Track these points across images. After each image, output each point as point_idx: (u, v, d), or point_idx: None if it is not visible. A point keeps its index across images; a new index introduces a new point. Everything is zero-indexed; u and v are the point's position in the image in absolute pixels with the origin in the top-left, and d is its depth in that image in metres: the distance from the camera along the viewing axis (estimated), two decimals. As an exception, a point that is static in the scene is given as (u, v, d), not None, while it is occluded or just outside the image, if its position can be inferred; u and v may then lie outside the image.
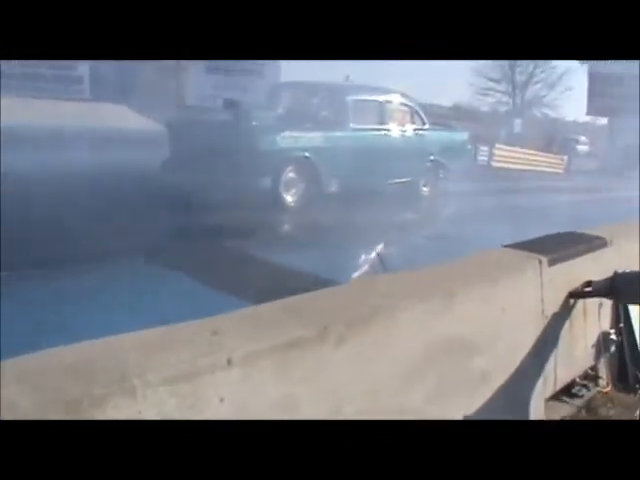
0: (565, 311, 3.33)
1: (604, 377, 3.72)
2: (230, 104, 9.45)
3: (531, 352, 3.01)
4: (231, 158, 8.16)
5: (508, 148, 23.37)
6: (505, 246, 3.32)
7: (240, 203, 7.92)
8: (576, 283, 3.37)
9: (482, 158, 21.62)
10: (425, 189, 11.25)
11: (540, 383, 3.10)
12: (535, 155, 24.31)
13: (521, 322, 2.95)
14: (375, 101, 10.32)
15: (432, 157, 11.09)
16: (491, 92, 37.53)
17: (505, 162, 21.75)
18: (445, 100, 36.18)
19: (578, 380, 3.60)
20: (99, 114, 16.15)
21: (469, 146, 12.89)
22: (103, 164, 9.56)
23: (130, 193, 7.87)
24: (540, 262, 3.12)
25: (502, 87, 37.50)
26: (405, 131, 10.67)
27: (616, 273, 3.20)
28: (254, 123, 8.68)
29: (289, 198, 8.96)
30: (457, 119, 26.41)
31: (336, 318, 2.06)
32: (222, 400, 1.73)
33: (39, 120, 14.06)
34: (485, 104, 37.81)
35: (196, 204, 7.57)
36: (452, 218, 9.89)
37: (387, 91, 10.88)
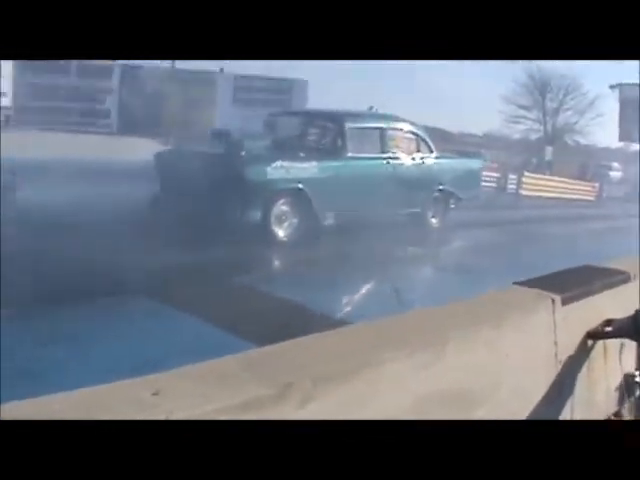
0: (582, 353, 3.05)
1: (629, 423, 3.41)
2: (219, 134, 9.30)
3: (543, 399, 2.74)
4: (219, 190, 7.91)
5: (537, 176, 23.01)
6: (516, 283, 3.06)
7: (228, 238, 7.52)
8: (594, 322, 3.09)
9: (511, 186, 21.29)
10: (434, 220, 10.63)
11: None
12: (566, 183, 23.84)
13: (529, 367, 2.68)
14: (376, 128, 9.82)
15: (441, 186, 10.51)
16: (522, 120, 37.15)
17: (534, 190, 21.33)
18: (474, 129, 35.77)
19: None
20: (125, 147, 16.22)
21: (481, 174, 12.32)
22: (114, 197, 9.39)
23: (124, 226, 7.61)
24: (553, 301, 2.85)
25: (533, 114, 37.11)
26: (410, 160, 10.13)
27: (638, 312, 2.92)
28: (243, 153, 8.35)
29: (281, 232, 8.51)
30: (487, 147, 26.19)
31: (303, 374, 1.81)
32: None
33: (65, 153, 14.12)
34: (516, 132, 37.44)
35: (181, 239, 7.28)
36: (465, 251, 9.53)
37: (389, 118, 10.46)
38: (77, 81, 18.45)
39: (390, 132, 9.96)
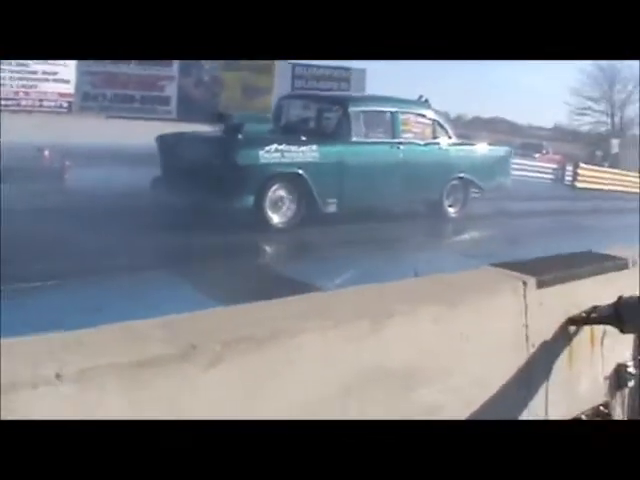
0: (563, 340, 2.96)
1: (619, 415, 3.29)
2: (220, 117, 9.09)
3: (509, 384, 2.67)
4: (212, 174, 7.73)
5: (594, 168, 22.29)
6: (494, 265, 2.99)
7: (219, 223, 7.41)
8: (581, 309, 2.99)
9: (568, 179, 20.73)
10: (451, 210, 10.10)
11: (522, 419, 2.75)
12: (626, 176, 22.99)
13: (491, 350, 2.61)
14: (385, 112, 9.37)
15: (461, 174, 9.96)
16: (589, 112, 36.23)
17: (590, 182, 20.62)
18: (541, 120, 35.08)
19: (585, 419, 3.19)
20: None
21: (510, 163, 11.39)
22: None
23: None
24: (524, 283, 2.77)
25: (600, 107, 36.14)
26: (423, 145, 9.64)
27: (621, 298, 2.82)
28: (239, 136, 8.11)
29: (277, 218, 8.18)
30: (553, 139, 25.53)
31: (214, 337, 1.82)
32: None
33: (125, 139, 14.43)
34: (582, 124, 36.52)
35: (176, 223, 7.30)
36: (484, 240, 9.24)
37: (402, 102, 10.07)
38: (138, 69, 18.80)
39: (402, 116, 9.50)
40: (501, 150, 11.29)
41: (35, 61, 16.46)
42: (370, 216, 8.82)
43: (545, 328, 2.86)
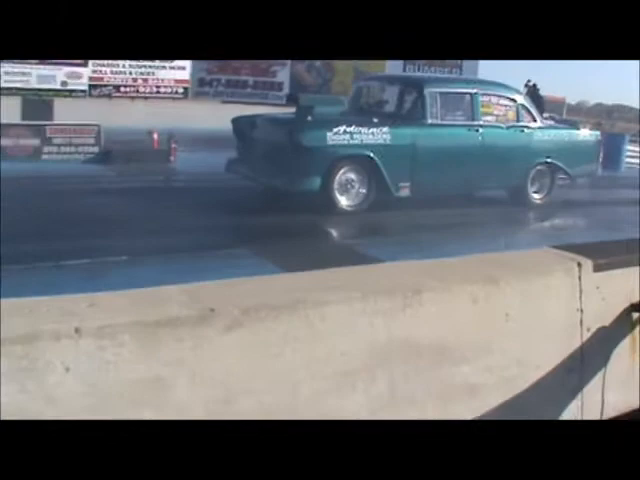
0: (623, 327, 2.85)
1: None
2: (292, 99, 8.98)
3: (557, 369, 2.61)
4: (281, 156, 7.70)
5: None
6: (554, 247, 2.92)
7: (290, 205, 7.52)
8: (646, 295, 2.87)
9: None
10: (536, 196, 9.62)
11: (573, 407, 2.68)
12: None
13: (537, 332, 2.55)
14: (464, 94, 8.95)
15: (548, 159, 9.43)
16: None
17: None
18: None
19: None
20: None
21: (599, 149, 10.62)
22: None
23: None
24: (579, 265, 2.69)
25: None
26: (505, 129, 9.17)
27: None
28: (308, 118, 7.95)
29: (345, 201, 7.99)
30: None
31: (233, 303, 1.89)
32: (68, 370, 1.66)
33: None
34: None
35: (251, 205, 7.41)
36: (571, 228, 8.70)
37: (483, 84, 9.62)
38: (252, 55, 19.19)
39: (483, 99, 9.07)
40: (590, 135, 10.61)
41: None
42: (446, 201, 8.54)
43: (602, 313, 2.76)
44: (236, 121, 9.04)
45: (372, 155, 7.93)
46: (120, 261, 5.24)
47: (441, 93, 8.71)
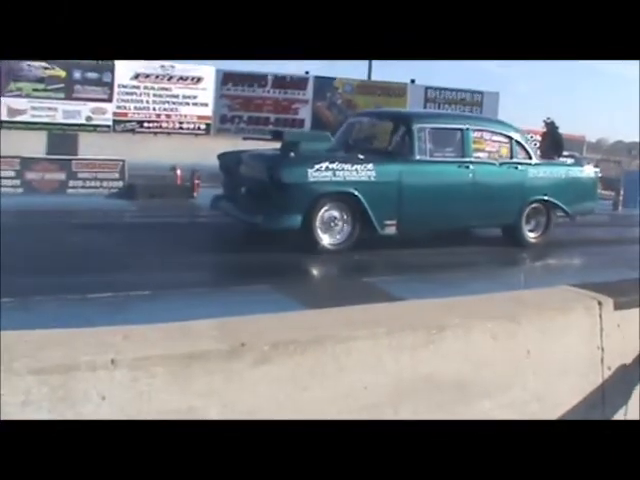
0: (645, 365, 2.87)
1: None
2: (276, 135, 8.85)
3: (578, 406, 2.63)
4: (262, 193, 7.62)
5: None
6: (573, 285, 2.96)
7: (273, 243, 7.50)
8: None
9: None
10: (532, 235, 9.33)
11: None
12: None
13: (557, 369, 2.59)
14: (454, 130, 8.78)
15: (544, 197, 9.20)
16: None
17: None
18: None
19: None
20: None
21: (597, 185, 10.38)
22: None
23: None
24: (600, 304, 2.72)
25: None
26: (498, 165, 9.00)
27: None
28: (291, 154, 7.85)
29: (328, 240, 7.78)
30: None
31: (263, 338, 1.96)
32: (103, 399, 1.72)
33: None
34: None
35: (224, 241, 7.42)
36: (588, 267, 8.41)
37: (476, 119, 9.58)
38: (274, 92, 19.46)
39: (474, 134, 8.91)
40: (588, 170, 10.35)
41: (177, 85, 17.50)
42: (435, 240, 8.50)
43: (623, 351, 2.79)
44: (222, 157, 8.98)
45: (355, 192, 7.78)
46: (143, 295, 5.32)
47: (430, 129, 8.53)
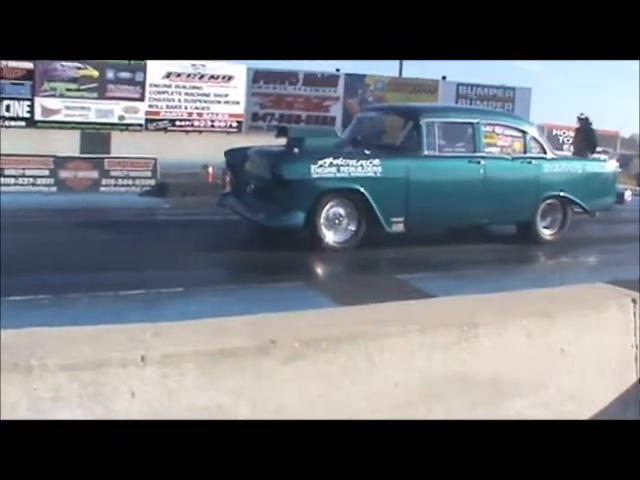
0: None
1: None
2: (281, 131, 8.59)
3: (613, 405, 2.59)
4: (266, 190, 7.46)
5: None
6: (608, 282, 2.91)
7: (278, 241, 7.37)
8: None
9: None
10: (547, 232, 8.93)
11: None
12: None
13: (592, 368, 2.55)
14: (464, 124, 8.42)
15: (560, 192, 8.81)
16: None
17: None
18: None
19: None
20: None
21: (615, 180, 9.87)
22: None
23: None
24: (634, 301, 2.67)
25: None
26: (510, 160, 8.58)
27: None
28: (295, 151, 7.58)
29: (333, 237, 7.49)
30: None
31: (294, 335, 1.95)
32: (133, 395, 1.73)
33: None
34: None
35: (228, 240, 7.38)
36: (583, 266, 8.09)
37: (487, 113, 9.18)
38: (305, 90, 19.47)
39: (486, 129, 8.50)
40: (604, 166, 10.00)
41: (208, 83, 17.58)
42: (445, 237, 8.24)
43: (662, 350, 2.74)
44: (229, 153, 8.77)
45: (361, 189, 7.48)
46: (176, 292, 5.35)
47: (440, 123, 8.22)
